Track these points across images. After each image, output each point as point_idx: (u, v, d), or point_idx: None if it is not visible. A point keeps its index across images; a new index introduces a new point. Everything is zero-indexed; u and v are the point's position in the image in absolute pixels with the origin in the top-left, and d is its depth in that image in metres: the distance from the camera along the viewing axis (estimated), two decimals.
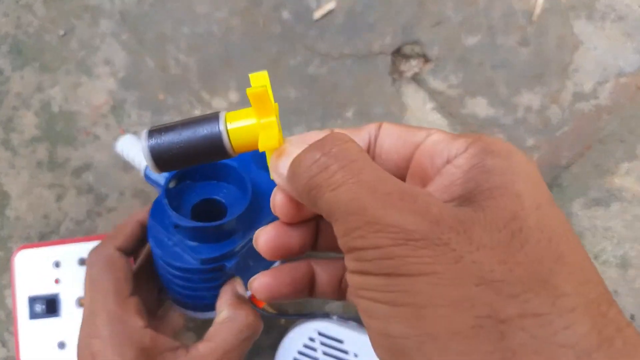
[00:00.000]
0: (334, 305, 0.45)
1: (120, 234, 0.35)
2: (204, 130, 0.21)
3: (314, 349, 0.41)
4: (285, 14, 0.47)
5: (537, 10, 0.46)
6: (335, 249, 0.22)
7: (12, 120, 0.48)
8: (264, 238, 0.22)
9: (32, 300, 0.42)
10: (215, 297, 0.33)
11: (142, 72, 0.47)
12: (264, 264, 0.35)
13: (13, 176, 0.48)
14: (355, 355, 0.41)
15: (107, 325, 0.30)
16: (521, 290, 0.15)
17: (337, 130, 0.22)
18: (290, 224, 0.22)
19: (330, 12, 0.46)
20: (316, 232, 0.23)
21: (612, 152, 0.45)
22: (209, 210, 0.34)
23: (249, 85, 0.23)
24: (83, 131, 0.47)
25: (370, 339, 0.17)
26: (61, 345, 0.41)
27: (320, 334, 0.41)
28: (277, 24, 0.47)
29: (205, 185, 0.35)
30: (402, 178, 0.22)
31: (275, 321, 0.45)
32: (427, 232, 0.16)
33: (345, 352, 0.41)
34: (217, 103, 0.47)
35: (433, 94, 0.46)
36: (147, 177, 0.36)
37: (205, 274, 0.33)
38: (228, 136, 0.21)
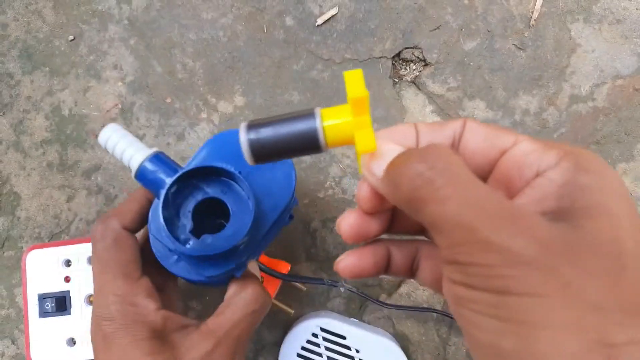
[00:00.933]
0: (336, 303, 0.46)
1: (127, 211, 0.33)
2: (300, 126, 0.22)
3: (317, 345, 0.42)
4: (289, 20, 0.48)
5: (535, 14, 0.47)
6: (406, 232, 0.25)
7: (22, 123, 0.49)
8: (347, 225, 0.24)
9: (42, 298, 0.42)
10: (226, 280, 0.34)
11: (149, 77, 0.49)
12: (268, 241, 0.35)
13: (24, 177, 0.49)
14: (357, 351, 0.42)
15: (118, 308, 0.30)
16: (628, 318, 0.16)
17: (421, 124, 0.23)
18: (369, 213, 0.24)
19: (332, 18, 0.47)
20: (391, 219, 0.25)
21: (610, 153, 0.46)
22: (211, 209, 0.33)
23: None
24: (92, 134, 0.49)
25: (474, 348, 0.18)
26: (71, 342, 0.42)
27: (323, 330, 0.42)
28: (281, 30, 0.48)
29: (204, 182, 0.32)
30: (484, 180, 0.22)
31: (278, 317, 0.46)
32: (537, 255, 0.17)
33: (348, 347, 0.42)
34: (223, 107, 0.48)
35: (432, 97, 0.47)
36: (139, 179, 0.33)
37: (212, 282, 0.33)
38: (324, 133, 0.22)
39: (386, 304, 0.45)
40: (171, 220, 0.31)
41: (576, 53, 0.46)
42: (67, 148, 0.49)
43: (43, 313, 0.42)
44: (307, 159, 0.47)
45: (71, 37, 0.49)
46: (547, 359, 0.16)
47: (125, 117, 0.48)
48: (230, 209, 0.31)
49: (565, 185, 0.19)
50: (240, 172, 0.31)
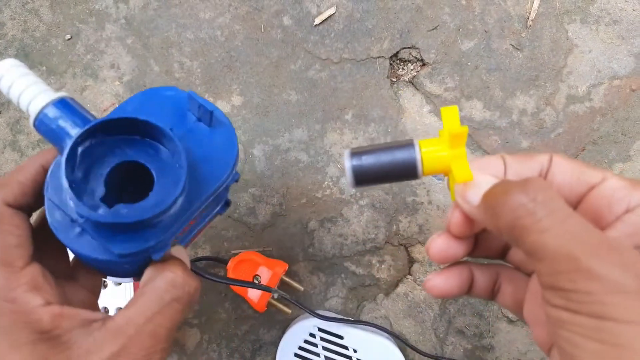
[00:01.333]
0: (333, 302, 0.46)
1: (13, 183, 0.26)
2: (400, 156, 0.24)
3: (314, 345, 0.42)
4: (287, 20, 0.48)
5: (532, 15, 0.47)
6: (486, 256, 0.27)
7: (19, 123, 0.49)
8: (436, 248, 0.26)
9: None
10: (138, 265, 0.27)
11: (147, 76, 0.49)
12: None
13: None
14: (355, 351, 0.42)
15: None
16: None
17: (508, 157, 0.25)
18: (458, 237, 0.26)
19: (330, 18, 0.47)
20: (475, 243, 0.27)
21: (606, 153, 0.46)
22: (130, 174, 0.26)
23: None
24: None
25: None
26: None
27: (320, 329, 0.43)
28: (278, 29, 0.48)
29: (124, 141, 0.26)
30: None
31: (276, 317, 0.47)
32: (636, 286, 0.18)
33: (345, 347, 0.42)
34: (221, 106, 0.48)
35: (430, 97, 0.47)
36: (41, 126, 0.26)
37: (124, 264, 0.26)
38: (422, 163, 0.24)
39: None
40: (77, 184, 0.24)
41: (573, 53, 0.47)
42: None
43: None
44: (304, 158, 0.47)
45: (68, 36, 0.49)
46: None
47: None
48: (154, 175, 0.25)
49: None
50: (170, 130, 0.25)
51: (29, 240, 0.26)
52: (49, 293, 0.25)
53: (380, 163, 0.25)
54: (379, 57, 0.47)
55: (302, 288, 0.45)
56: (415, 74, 0.47)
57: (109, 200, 0.24)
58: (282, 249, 0.47)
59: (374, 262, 0.46)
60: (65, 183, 0.23)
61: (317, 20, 0.47)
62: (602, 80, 0.46)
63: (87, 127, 0.24)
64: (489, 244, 0.27)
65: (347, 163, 0.25)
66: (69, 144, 0.23)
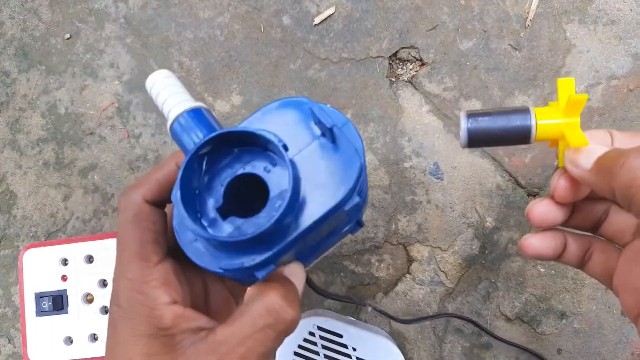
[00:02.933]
0: (332, 301, 0.47)
1: (152, 182, 0.27)
2: (516, 121, 0.26)
3: (314, 343, 0.43)
4: (286, 19, 0.48)
5: (531, 15, 0.47)
6: (579, 227, 0.29)
7: (18, 122, 0.49)
8: (538, 213, 0.28)
9: (39, 297, 0.42)
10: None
11: (146, 75, 0.48)
12: (316, 252, 0.29)
13: (20, 176, 0.49)
14: (354, 349, 0.42)
15: (127, 295, 0.26)
16: None
17: (615, 132, 0.27)
18: (559, 204, 0.28)
19: (329, 18, 0.48)
20: (572, 212, 0.28)
21: None
22: (248, 187, 0.26)
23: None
24: (87, 132, 0.48)
25: None
26: (68, 340, 0.42)
27: (319, 328, 0.43)
28: (278, 29, 0.48)
29: (247, 152, 0.26)
30: None
31: None
32: None
33: (345, 346, 0.42)
34: (220, 105, 0.48)
35: (429, 96, 0.47)
36: (173, 132, 0.27)
37: (230, 277, 0.26)
38: (536, 129, 0.26)
39: (405, 320, 0.44)
40: (195, 192, 0.25)
41: (571, 53, 0.47)
42: (64, 147, 0.49)
43: (40, 312, 0.42)
44: None
45: (67, 36, 0.49)
46: None
47: (121, 115, 0.48)
48: (270, 191, 0.25)
49: None
50: (285, 148, 0.24)
51: (164, 236, 0.27)
52: (177, 291, 0.26)
53: (496, 126, 0.26)
54: (378, 56, 0.47)
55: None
56: (414, 73, 0.48)
57: (225, 209, 0.25)
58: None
59: (373, 261, 0.46)
60: (178, 193, 0.23)
61: (317, 20, 0.47)
62: (599, 80, 0.47)
63: (209, 136, 0.24)
64: (584, 215, 0.29)
65: (463, 124, 0.26)
66: (189, 153, 0.24)
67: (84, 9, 0.49)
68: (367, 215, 0.46)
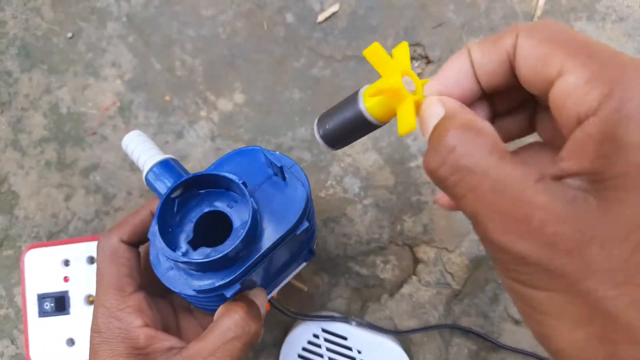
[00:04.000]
0: (337, 303, 0.46)
1: (128, 225, 0.33)
2: (350, 113, 0.24)
3: (318, 346, 0.42)
4: (289, 17, 0.47)
5: (538, 12, 0.46)
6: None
7: (20, 121, 0.49)
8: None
9: (41, 298, 0.42)
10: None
11: (148, 74, 0.48)
12: (271, 279, 0.34)
13: (22, 176, 0.49)
14: (359, 352, 0.41)
15: (104, 320, 0.30)
16: (635, 317, 0.15)
17: (473, 48, 0.21)
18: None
19: (333, 15, 0.47)
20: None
21: None
22: (213, 223, 0.31)
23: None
24: (90, 131, 0.48)
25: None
26: (70, 342, 0.42)
27: (324, 330, 0.42)
28: (281, 27, 0.47)
29: (210, 194, 0.31)
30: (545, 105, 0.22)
31: (278, 318, 0.46)
32: (541, 257, 0.17)
33: (349, 348, 0.42)
34: (223, 104, 0.47)
35: None
36: (147, 181, 0.33)
37: (204, 299, 0.30)
38: (370, 113, 0.23)
39: (400, 332, 0.44)
40: (172, 229, 0.30)
41: None
42: (66, 146, 0.48)
43: (42, 313, 0.42)
44: (307, 157, 0.46)
45: (70, 35, 0.49)
46: (558, 345, 0.18)
47: (123, 115, 0.48)
48: (233, 223, 0.30)
49: (604, 143, 0.16)
50: (245, 185, 0.29)
51: (138, 271, 0.32)
52: (149, 317, 0.30)
53: (340, 124, 0.24)
54: None
55: (305, 288, 0.44)
56: (420, 71, 0.47)
57: (195, 242, 0.30)
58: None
59: (378, 262, 0.46)
60: (155, 227, 0.28)
61: (321, 18, 0.47)
62: None
63: (178, 181, 0.29)
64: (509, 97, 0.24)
65: (317, 135, 0.25)
66: (162, 196, 0.29)
67: (86, 8, 0.49)
68: (372, 215, 0.46)
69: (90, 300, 0.42)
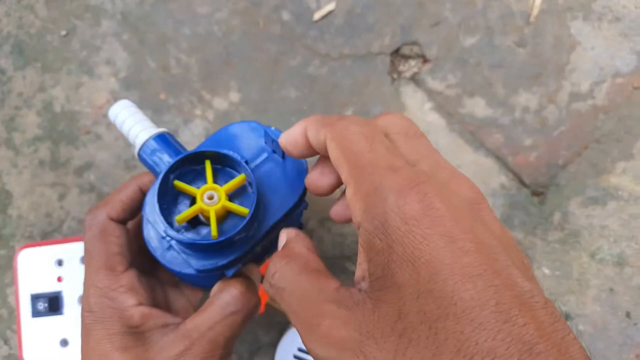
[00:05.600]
0: None
1: (116, 202, 0.32)
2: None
3: None
4: (285, 15, 0.47)
5: (535, 11, 0.46)
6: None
7: (14, 120, 0.48)
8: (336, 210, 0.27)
9: (35, 298, 0.42)
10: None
11: (143, 72, 0.48)
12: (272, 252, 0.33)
13: (15, 175, 0.48)
14: None
15: (97, 300, 0.29)
16: None
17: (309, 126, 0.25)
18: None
19: (330, 13, 0.47)
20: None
21: (609, 151, 0.46)
22: None
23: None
24: (84, 130, 0.48)
25: None
26: (64, 342, 0.42)
27: None
28: (277, 25, 0.47)
29: (212, 173, 0.29)
30: None
31: (275, 319, 0.46)
32: (332, 358, 0.19)
33: None
34: (218, 103, 0.47)
35: (431, 93, 0.46)
36: (140, 157, 0.31)
37: (202, 278, 0.30)
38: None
39: None
40: (167, 206, 0.28)
41: (576, 50, 0.46)
42: (59, 145, 0.48)
43: (36, 313, 0.42)
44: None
45: (64, 32, 0.49)
46: None
47: None
48: (232, 201, 0.29)
49: (368, 249, 0.19)
50: (247, 162, 0.28)
51: (128, 249, 0.31)
52: (142, 295, 0.30)
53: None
54: (379, 53, 0.47)
55: None
56: (416, 70, 0.47)
57: (193, 220, 0.28)
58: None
59: None
60: (156, 207, 0.27)
61: (317, 16, 0.47)
62: (604, 77, 0.46)
63: (177, 157, 0.28)
64: None
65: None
66: (162, 172, 0.28)
67: (80, 5, 0.49)
68: None
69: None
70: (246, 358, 0.46)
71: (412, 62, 0.47)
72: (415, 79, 0.47)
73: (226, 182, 0.28)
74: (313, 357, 0.20)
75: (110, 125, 0.47)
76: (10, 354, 0.48)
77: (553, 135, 0.46)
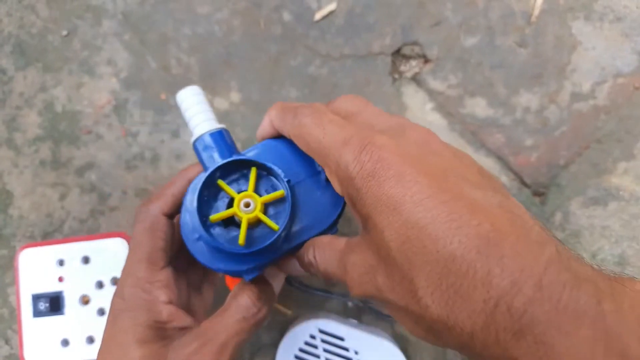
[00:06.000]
0: (334, 303, 0.46)
1: (167, 196, 0.32)
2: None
3: (315, 347, 0.42)
4: (286, 15, 0.47)
5: (536, 12, 0.46)
6: None
7: (15, 120, 0.48)
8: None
9: (36, 298, 0.42)
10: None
11: (144, 72, 0.48)
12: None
13: (16, 175, 0.48)
14: (356, 353, 0.41)
15: (132, 290, 0.30)
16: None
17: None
18: None
19: (330, 13, 0.47)
20: None
21: (610, 151, 0.45)
22: None
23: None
24: (84, 130, 0.48)
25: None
26: (64, 342, 0.42)
27: (321, 331, 0.42)
28: (278, 25, 0.47)
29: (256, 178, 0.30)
30: None
31: (276, 319, 0.46)
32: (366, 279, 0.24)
33: (346, 349, 0.41)
34: (219, 103, 0.47)
35: (432, 94, 0.46)
36: (195, 147, 0.32)
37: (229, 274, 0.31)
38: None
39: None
40: (207, 198, 0.30)
41: (577, 50, 0.46)
42: (60, 145, 0.48)
43: (37, 313, 0.42)
44: None
45: (65, 32, 0.49)
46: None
47: (119, 113, 0.48)
48: (268, 212, 0.30)
49: (353, 210, 0.24)
50: (289, 182, 0.29)
51: (171, 246, 0.32)
52: (174, 294, 0.31)
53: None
54: (380, 53, 0.47)
55: (289, 312, 0.44)
56: (417, 70, 0.47)
57: (226, 220, 0.29)
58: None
59: None
60: (194, 202, 0.28)
61: (318, 16, 0.47)
62: (606, 78, 0.46)
63: (227, 160, 0.29)
64: None
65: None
66: (209, 169, 0.29)
67: (81, 5, 0.49)
68: None
69: (84, 301, 0.42)
70: (247, 358, 0.46)
71: (413, 62, 0.47)
72: (416, 79, 0.47)
73: (267, 187, 0.30)
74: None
75: (111, 126, 0.47)
76: (11, 354, 0.48)
77: (554, 135, 0.46)
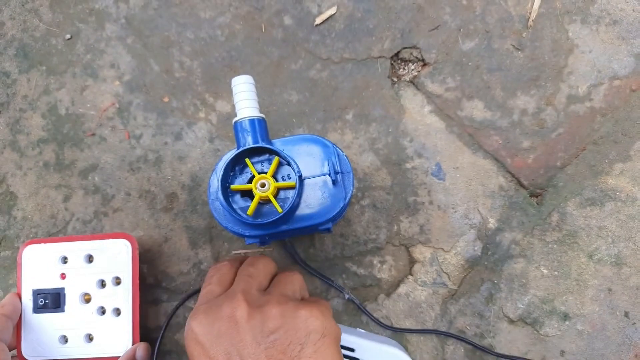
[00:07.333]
0: (334, 303, 0.46)
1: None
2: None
3: None
4: (287, 20, 0.48)
5: (533, 15, 0.47)
6: None
7: (19, 122, 0.49)
8: None
9: (37, 294, 0.42)
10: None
11: (147, 76, 0.48)
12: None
13: (20, 177, 0.49)
14: None
15: None
16: None
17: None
18: None
19: (330, 18, 0.47)
20: None
21: (606, 153, 0.46)
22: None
23: None
24: (88, 132, 0.48)
25: None
26: (63, 339, 0.42)
27: None
28: (279, 29, 0.48)
29: (273, 160, 0.36)
30: None
31: None
32: None
33: None
34: (221, 106, 0.48)
35: (431, 96, 0.47)
36: (235, 127, 0.37)
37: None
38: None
39: (390, 327, 0.44)
40: (234, 173, 0.37)
41: (573, 53, 0.47)
42: (64, 147, 0.48)
43: (37, 309, 0.42)
44: None
45: (68, 36, 0.49)
46: None
47: (122, 116, 0.48)
48: (279, 195, 0.36)
49: None
50: (300, 177, 0.35)
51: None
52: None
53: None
54: (379, 57, 0.47)
55: None
56: (416, 74, 0.47)
57: (245, 193, 0.36)
58: (282, 250, 0.47)
59: (375, 262, 0.46)
60: (221, 172, 0.35)
61: (318, 20, 0.47)
62: (602, 80, 0.46)
63: (253, 145, 0.36)
64: None
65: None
66: (240, 148, 0.36)
67: (84, 9, 0.49)
68: (369, 215, 0.46)
69: (85, 299, 0.42)
70: None
71: (412, 66, 0.48)
72: (414, 82, 0.47)
73: (284, 175, 0.36)
74: None
75: (115, 128, 0.48)
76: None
77: (551, 137, 0.46)
